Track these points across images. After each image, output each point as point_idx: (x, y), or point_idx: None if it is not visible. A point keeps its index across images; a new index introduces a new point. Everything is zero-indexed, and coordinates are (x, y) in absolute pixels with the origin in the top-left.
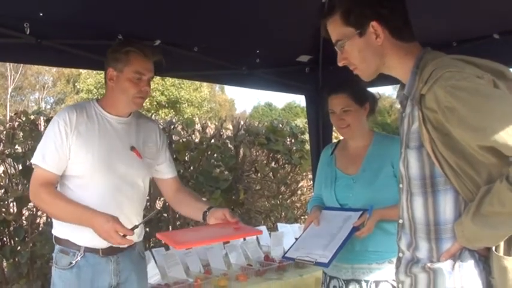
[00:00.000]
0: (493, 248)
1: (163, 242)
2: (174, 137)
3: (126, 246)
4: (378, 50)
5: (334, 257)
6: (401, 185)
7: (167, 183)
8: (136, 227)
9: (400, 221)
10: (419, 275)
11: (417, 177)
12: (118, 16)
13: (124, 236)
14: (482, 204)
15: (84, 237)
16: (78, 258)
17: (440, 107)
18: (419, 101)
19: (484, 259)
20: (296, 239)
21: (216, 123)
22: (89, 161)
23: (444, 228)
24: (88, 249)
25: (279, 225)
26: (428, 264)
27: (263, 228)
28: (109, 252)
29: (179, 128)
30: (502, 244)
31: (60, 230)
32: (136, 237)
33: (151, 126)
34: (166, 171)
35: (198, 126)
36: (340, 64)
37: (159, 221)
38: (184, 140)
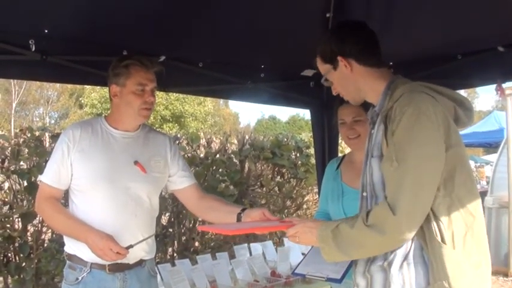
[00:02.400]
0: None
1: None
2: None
3: (133, 262)
4: (351, 78)
5: (347, 272)
6: (364, 194)
7: (186, 192)
8: (131, 246)
9: None
10: (375, 275)
11: (379, 181)
12: (123, 32)
13: (118, 253)
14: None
15: (91, 252)
16: (85, 274)
17: (395, 121)
18: (386, 115)
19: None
20: (303, 254)
21: (221, 138)
22: (90, 175)
23: None
24: (94, 265)
25: (285, 240)
26: (384, 263)
27: (269, 243)
28: (116, 268)
29: (184, 143)
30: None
31: (69, 245)
32: (146, 254)
33: (160, 139)
34: (181, 181)
35: (203, 141)
36: (334, 93)
37: (165, 236)
38: (189, 155)
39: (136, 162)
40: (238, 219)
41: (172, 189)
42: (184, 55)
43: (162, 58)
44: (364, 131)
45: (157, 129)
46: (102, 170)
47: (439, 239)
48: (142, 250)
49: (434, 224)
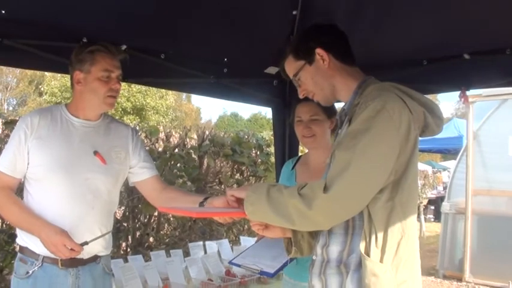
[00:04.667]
0: (365, 254)
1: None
2: None
3: (87, 258)
4: (327, 73)
5: (281, 269)
6: None
7: (147, 184)
8: (86, 243)
9: None
10: (330, 278)
11: None
12: (84, 18)
13: (72, 250)
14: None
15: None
16: (36, 268)
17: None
18: (352, 112)
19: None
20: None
21: (181, 133)
22: (47, 163)
23: (359, 224)
24: (47, 259)
25: (242, 238)
26: (340, 266)
27: (225, 241)
28: (69, 264)
29: (143, 135)
30: (376, 251)
31: (22, 237)
32: (102, 249)
33: (122, 130)
34: (141, 172)
35: (162, 135)
36: (301, 96)
37: (118, 231)
38: (147, 148)
39: (96, 153)
40: None
41: (134, 181)
42: (146, 45)
43: (123, 47)
44: (320, 131)
45: (120, 120)
46: (59, 159)
47: (365, 250)
48: (99, 245)
49: (366, 232)
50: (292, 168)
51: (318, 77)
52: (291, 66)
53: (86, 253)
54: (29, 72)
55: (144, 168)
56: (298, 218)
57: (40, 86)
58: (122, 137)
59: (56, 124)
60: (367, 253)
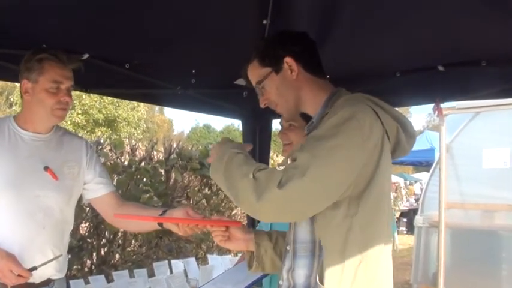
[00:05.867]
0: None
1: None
2: (101, 159)
3: (39, 282)
4: (294, 84)
5: None
6: None
7: (103, 201)
8: (35, 268)
9: (288, 247)
10: None
11: None
12: (43, 25)
13: (19, 275)
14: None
15: None
16: None
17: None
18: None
19: None
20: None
21: (147, 145)
22: None
23: (301, 247)
24: None
25: (210, 257)
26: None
27: (192, 260)
28: None
29: (107, 148)
30: (331, 278)
31: None
32: (55, 273)
33: (76, 144)
34: (97, 188)
35: (127, 148)
36: (262, 105)
37: (81, 249)
38: (111, 162)
39: (46, 168)
40: (160, 224)
41: (89, 198)
42: (110, 54)
43: (85, 56)
44: (297, 138)
45: (73, 132)
46: (6, 175)
47: (319, 277)
48: (52, 268)
49: (318, 255)
50: None
51: (284, 88)
52: (255, 72)
53: (38, 277)
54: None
55: (100, 184)
56: (244, 201)
57: (10, 97)
58: (75, 151)
59: (3, 138)
60: (321, 280)
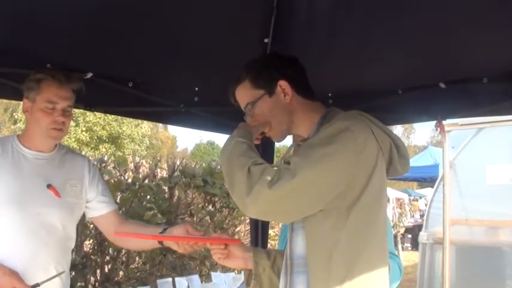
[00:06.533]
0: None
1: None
2: (105, 176)
3: None
4: (287, 108)
5: None
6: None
7: (105, 219)
8: (38, 285)
9: (284, 263)
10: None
11: None
12: (48, 44)
13: None
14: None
15: None
16: None
17: None
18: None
19: None
20: None
21: (151, 163)
22: None
23: (297, 263)
24: None
25: (213, 274)
26: None
27: (195, 277)
28: None
29: (111, 166)
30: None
31: None
32: None
33: (78, 162)
34: (99, 207)
35: (131, 165)
36: (251, 124)
37: (84, 266)
38: (115, 179)
39: (49, 186)
40: (160, 241)
41: (91, 217)
42: (114, 73)
43: (90, 75)
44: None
45: (76, 151)
46: (10, 193)
47: None
48: (55, 285)
49: (309, 268)
50: None
51: (277, 111)
52: (246, 92)
53: None
54: (5, 100)
55: (102, 203)
56: (235, 192)
57: (14, 114)
58: (77, 169)
59: (6, 156)
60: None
